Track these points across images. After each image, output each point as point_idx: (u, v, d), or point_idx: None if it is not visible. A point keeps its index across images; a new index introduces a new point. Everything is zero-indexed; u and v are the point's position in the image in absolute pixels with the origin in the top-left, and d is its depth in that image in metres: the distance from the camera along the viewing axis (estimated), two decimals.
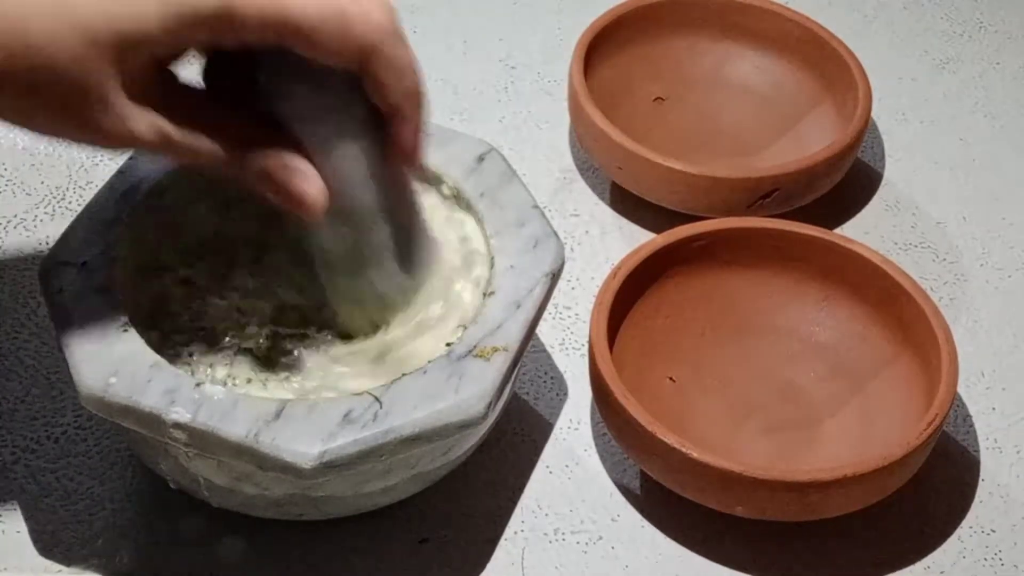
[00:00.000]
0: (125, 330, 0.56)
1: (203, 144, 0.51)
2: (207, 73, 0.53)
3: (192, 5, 0.48)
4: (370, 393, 0.54)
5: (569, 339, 0.71)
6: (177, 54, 0.51)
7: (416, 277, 0.59)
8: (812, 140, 0.77)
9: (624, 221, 0.77)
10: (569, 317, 0.72)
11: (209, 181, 0.62)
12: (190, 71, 0.53)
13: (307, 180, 0.53)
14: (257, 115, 0.53)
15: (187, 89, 0.52)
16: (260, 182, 0.53)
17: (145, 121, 0.50)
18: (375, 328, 0.60)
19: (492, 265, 0.60)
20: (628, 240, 0.75)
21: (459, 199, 0.63)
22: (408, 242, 0.59)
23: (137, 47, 0.48)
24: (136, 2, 0.47)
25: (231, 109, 0.53)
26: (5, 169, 0.77)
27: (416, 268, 0.59)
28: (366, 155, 0.55)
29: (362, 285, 0.58)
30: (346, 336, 0.60)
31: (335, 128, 0.53)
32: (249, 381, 0.58)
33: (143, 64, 0.49)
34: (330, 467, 0.53)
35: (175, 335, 0.60)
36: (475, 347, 0.57)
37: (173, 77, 0.52)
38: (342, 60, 0.50)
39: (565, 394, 0.69)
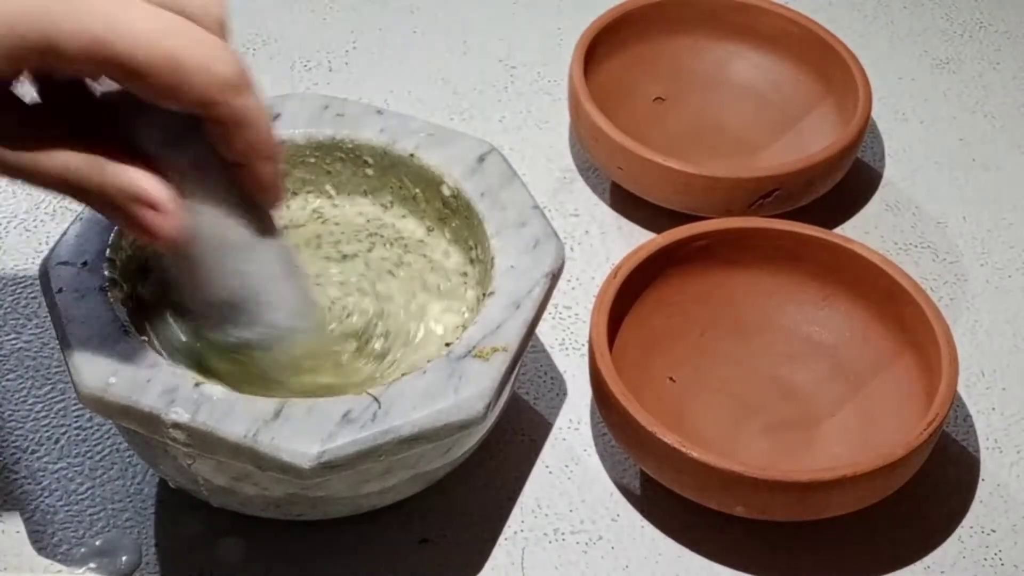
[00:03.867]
0: (125, 330, 0.56)
1: (46, 162, 0.48)
2: (42, 93, 0.49)
3: (6, 36, 0.44)
4: (369, 393, 0.54)
5: (569, 339, 0.71)
6: (3, 80, 0.47)
7: (291, 323, 0.55)
8: (812, 140, 0.77)
9: (624, 221, 0.77)
10: (569, 317, 0.72)
11: None
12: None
13: (162, 210, 0.48)
14: (100, 138, 0.48)
15: (30, 111, 0.48)
16: (109, 203, 0.48)
17: None
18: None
19: (492, 266, 0.60)
20: (628, 240, 0.75)
21: (459, 199, 0.63)
22: (276, 287, 0.54)
23: None
24: None
25: (73, 131, 0.48)
26: None
27: (289, 315, 0.55)
28: (222, 190, 0.51)
29: (222, 328, 0.55)
30: None
31: (190, 160, 0.50)
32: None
33: None
34: (329, 467, 0.53)
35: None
36: (474, 347, 0.57)
37: (11, 97, 0.48)
38: (181, 106, 0.47)
39: (565, 394, 0.69)
